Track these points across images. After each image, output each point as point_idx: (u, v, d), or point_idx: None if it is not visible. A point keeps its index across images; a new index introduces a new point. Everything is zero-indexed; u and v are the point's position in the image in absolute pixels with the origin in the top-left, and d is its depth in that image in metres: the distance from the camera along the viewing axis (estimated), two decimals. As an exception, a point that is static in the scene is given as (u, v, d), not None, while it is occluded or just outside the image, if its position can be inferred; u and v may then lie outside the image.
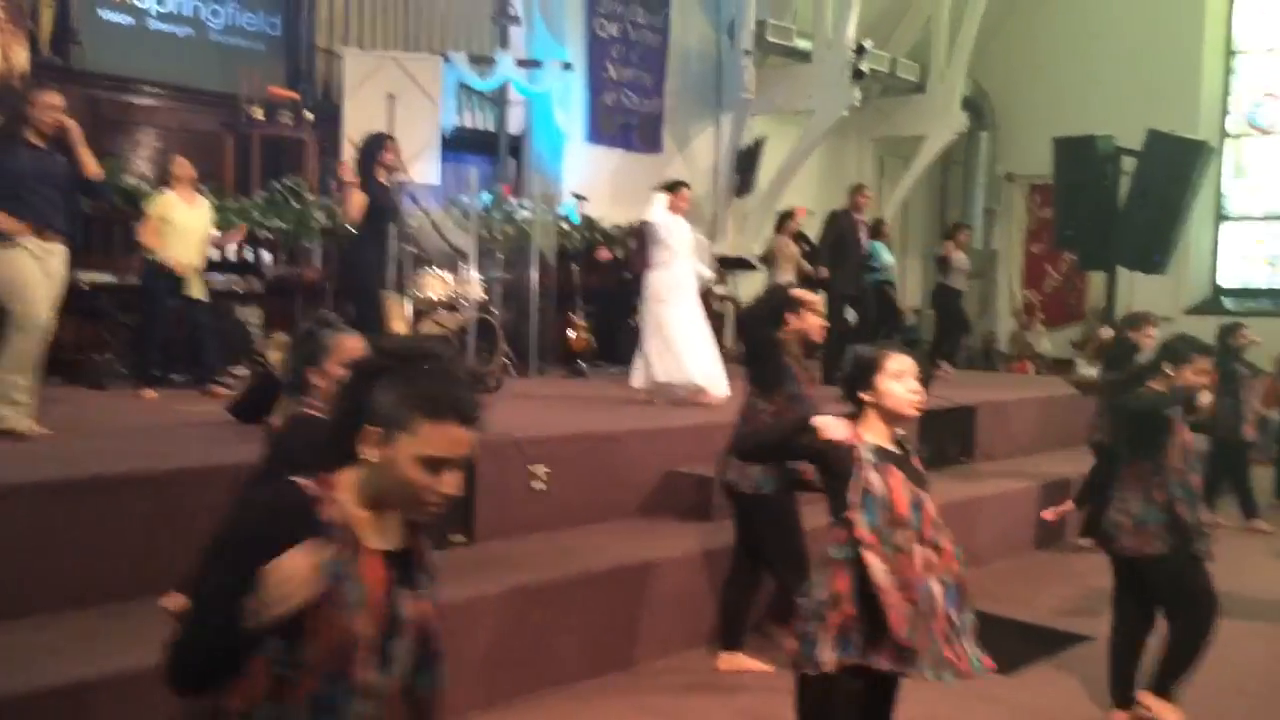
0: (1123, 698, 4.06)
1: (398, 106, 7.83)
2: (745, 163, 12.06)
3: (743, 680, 4.32)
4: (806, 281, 9.11)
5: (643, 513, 5.40)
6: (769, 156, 11.96)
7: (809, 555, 2.72)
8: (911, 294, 14.47)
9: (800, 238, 10.03)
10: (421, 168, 8.19)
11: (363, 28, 10.66)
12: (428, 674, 1.80)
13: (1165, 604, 3.98)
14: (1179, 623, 3.95)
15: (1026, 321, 15.11)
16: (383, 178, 6.56)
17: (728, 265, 11.28)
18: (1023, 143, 14.49)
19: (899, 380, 2.69)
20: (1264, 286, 14.18)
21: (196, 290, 6.54)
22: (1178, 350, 3.93)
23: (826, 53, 11.46)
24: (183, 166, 6.67)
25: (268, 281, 8.15)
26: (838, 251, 8.81)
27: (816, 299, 4.41)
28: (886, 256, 10.26)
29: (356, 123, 7.50)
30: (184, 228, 6.54)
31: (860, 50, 11.11)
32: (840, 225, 8.87)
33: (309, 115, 9.64)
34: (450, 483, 1.67)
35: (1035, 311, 15.26)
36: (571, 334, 9.29)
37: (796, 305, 4.29)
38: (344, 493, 1.69)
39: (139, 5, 9.35)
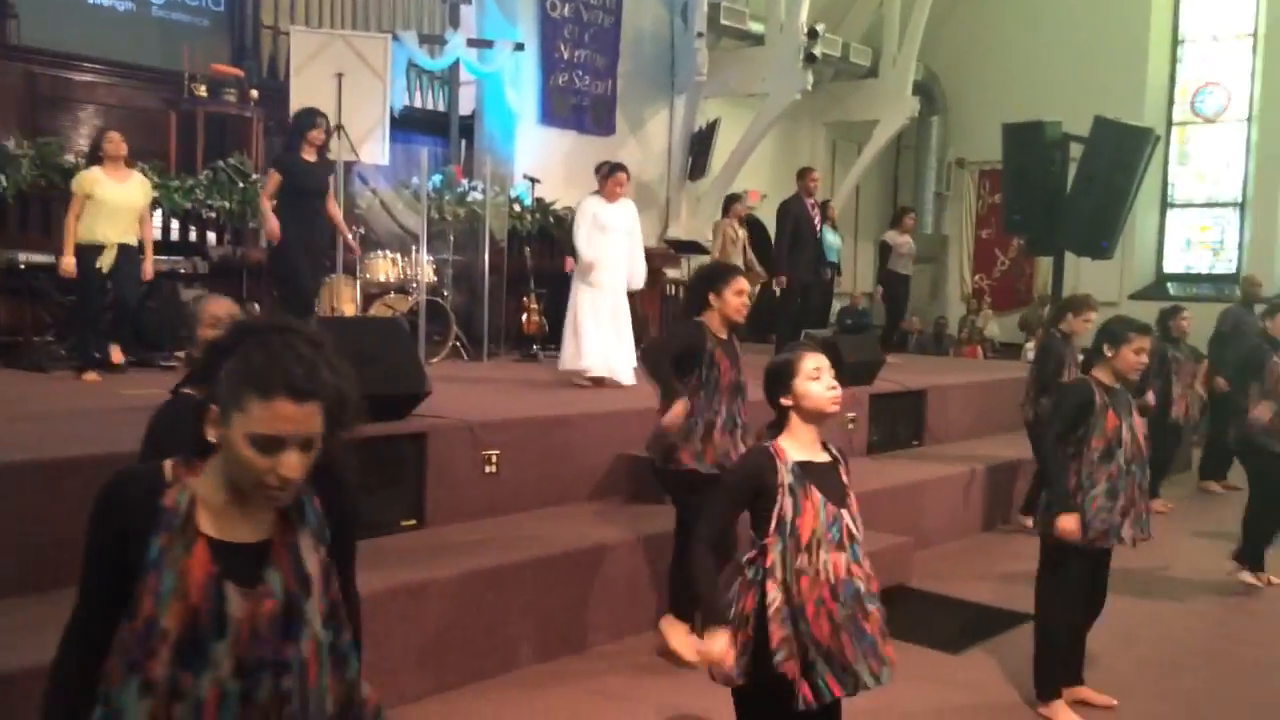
0: (1073, 675, 4.12)
1: (345, 85, 7.70)
2: (699, 145, 12.05)
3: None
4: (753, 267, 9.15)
5: (595, 496, 5.39)
6: (722, 140, 11.96)
7: (744, 534, 2.69)
8: (863, 279, 14.58)
9: (751, 223, 10.03)
10: (370, 148, 8.06)
11: (309, 5, 10.49)
12: (266, 682, 1.56)
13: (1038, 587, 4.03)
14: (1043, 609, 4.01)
15: (975, 306, 15.30)
16: (310, 155, 6.42)
17: (680, 249, 11.27)
18: (973, 128, 14.65)
19: (816, 379, 2.62)
20: (1207, 272, 14.49)
21: (104, 261, 6.33)
22: (1116, 331, 3.95)
23: (779, 36, 11.47)
24: (114, 143, 6.47)
25: (212, 263, 8.00)
26: (795, 240, 8.84)
27: (741, 279, 4.30)
28: (831, 238, 10.31)
29: (303, 101, 7.32)
30: (112, 204, 6.36)
31: (813, 34, 11.14)
32: (794, 213, 8.89)
33: (254, 93, 9.48)
34: (289, 464, 1.53)
35: (984, 296, 15.45)
36: (524, 317, 9.24)
37: (719, 284, 4.23)
38: (201, 477, 1.61)
39: (78, -22, 9.16)
